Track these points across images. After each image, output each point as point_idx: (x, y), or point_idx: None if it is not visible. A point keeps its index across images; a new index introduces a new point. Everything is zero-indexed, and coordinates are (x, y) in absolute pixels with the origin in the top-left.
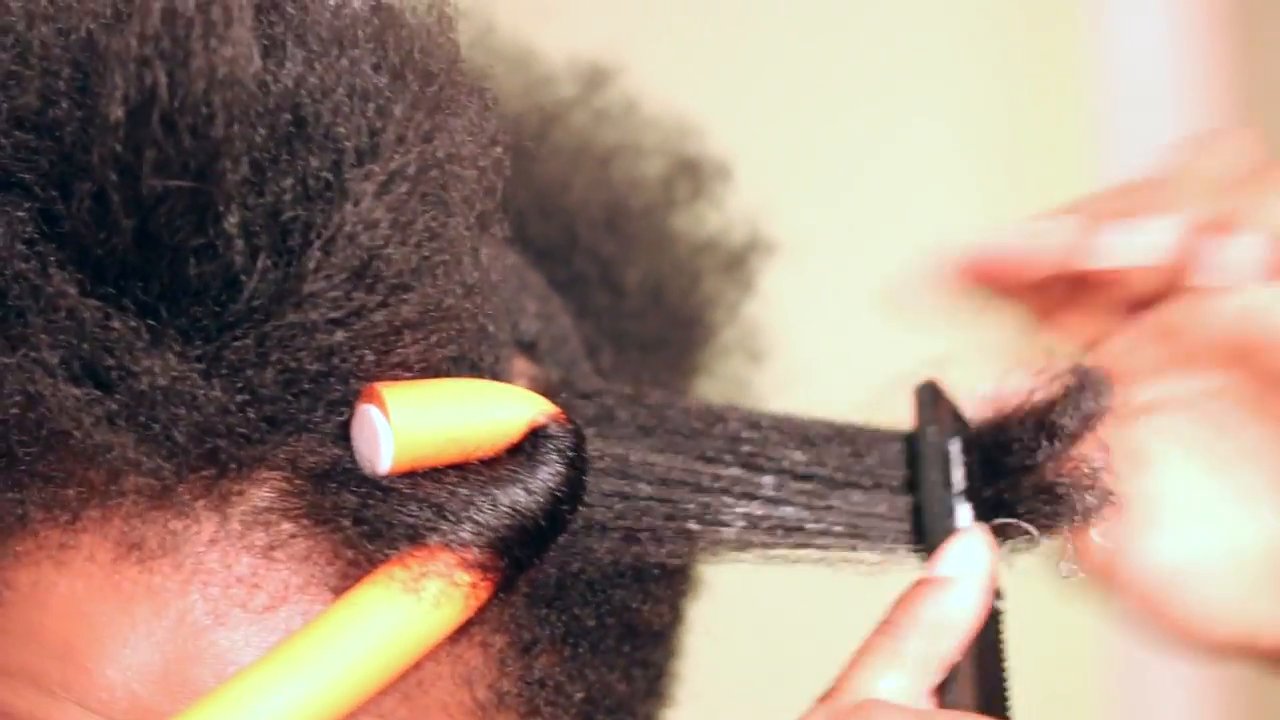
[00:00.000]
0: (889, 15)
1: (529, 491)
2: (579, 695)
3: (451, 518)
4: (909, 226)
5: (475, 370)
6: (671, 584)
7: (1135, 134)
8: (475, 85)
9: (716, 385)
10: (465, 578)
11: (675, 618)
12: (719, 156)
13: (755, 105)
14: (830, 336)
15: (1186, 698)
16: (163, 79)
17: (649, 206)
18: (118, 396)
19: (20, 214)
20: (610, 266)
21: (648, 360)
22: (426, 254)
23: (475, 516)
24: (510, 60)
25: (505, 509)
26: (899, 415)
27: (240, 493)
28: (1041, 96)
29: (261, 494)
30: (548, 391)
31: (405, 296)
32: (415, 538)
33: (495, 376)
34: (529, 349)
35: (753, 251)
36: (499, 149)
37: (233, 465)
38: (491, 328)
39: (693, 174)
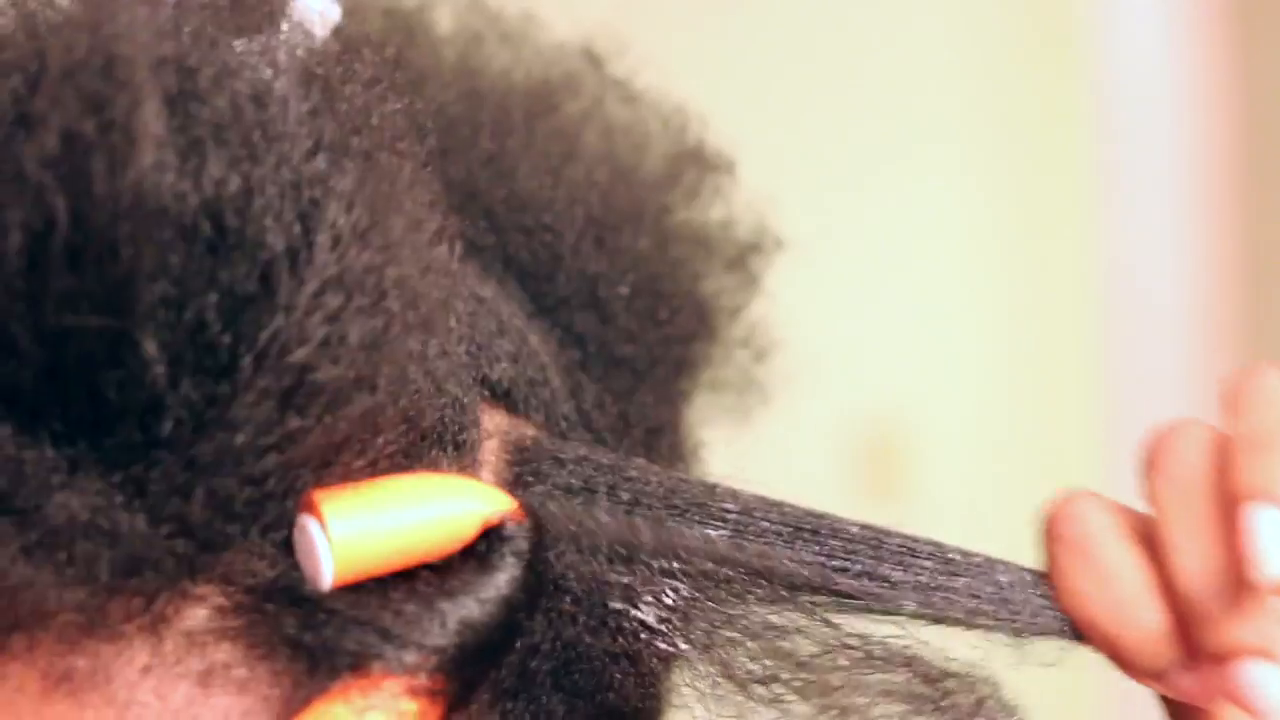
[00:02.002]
0: (893, 12)
1: (481, 602)
2: None
3: (396, 642)
4: (912, 221)
5: (437, 445)
6: (652, 665)
7: (1135, 134)
8: (420, 152)
9: (719, 386)
10: (411, 706)
11: (656, 695)
12: (723, 149)
13: (761, 98)
14: (836, 332)
15: None
16: (63, 207)
17: (646, 203)
18: (34, 530)
19: None
20: (597, 285)
21: (638, 389)
22: (365, 367)
23: (422, 641)
24: (504, 37)
25: (455, 626)
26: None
27: (176, 613)
28: (1043, 95)
29: (197, 614)
30: (519, 449)
31: (342, 412)
32: (357, 666)
33: (459, 447)
34: (503, 397)
35: (758, 246)
36: (446, 240)
37: (161, 588)
38: (456, 391)
39: (697, 165)
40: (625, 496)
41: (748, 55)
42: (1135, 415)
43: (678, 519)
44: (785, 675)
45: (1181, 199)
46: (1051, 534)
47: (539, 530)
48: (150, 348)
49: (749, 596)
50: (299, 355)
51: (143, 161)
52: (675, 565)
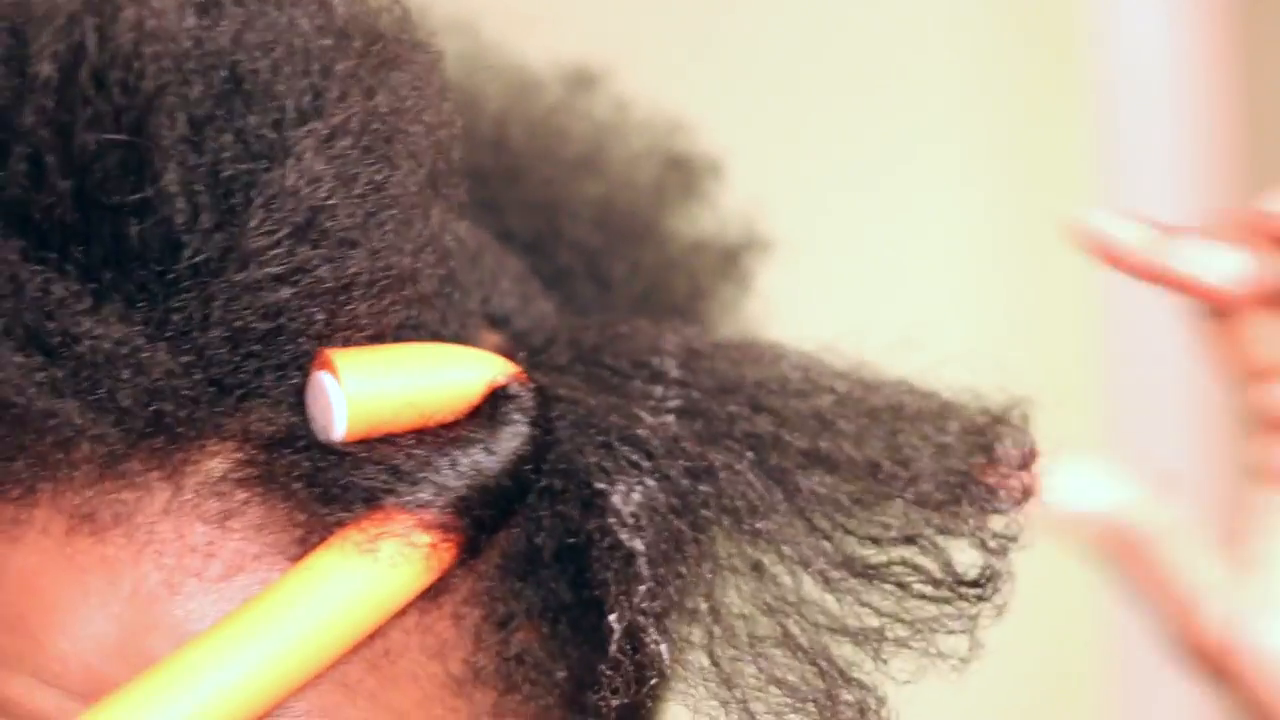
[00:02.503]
0: (883, 11)
1: (490, 452)
2: (561, 674)
3: (407, 479)
4: (905, 223)
5: (437, 337)
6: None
7: (1135, 134)
8: (420, 42)
9: None
10: (424, 538)
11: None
12: (711, 154)
13: (748, 102)
14: (835, 332)
15: (1187, 697)
16: (91, 34)
17: (639, 204)
18: (61, 363)
19: None
20: (597, 259)
21: None
22: (371, 209)
23: (433, 478)
24: (495, 71)
25: (465, 470)
26: None
27: (193, 463)
28: (1039, 92)
29: (214, 464)
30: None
31: (351, 252)
32: (370, 500)
33: (459, 342)
34: (502, 323)
35: (748, 249)
36: (447, 105)
37: (182, 432)
38: (456, 295)
39: (684, 172)
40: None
41: (739, 50)
42: (1135, 415)
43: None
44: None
45: (1182, 199)
46: None
47: (543, 394)
48: (171, 179)
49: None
50: (309, 194)
51: None
52: (644, 463)
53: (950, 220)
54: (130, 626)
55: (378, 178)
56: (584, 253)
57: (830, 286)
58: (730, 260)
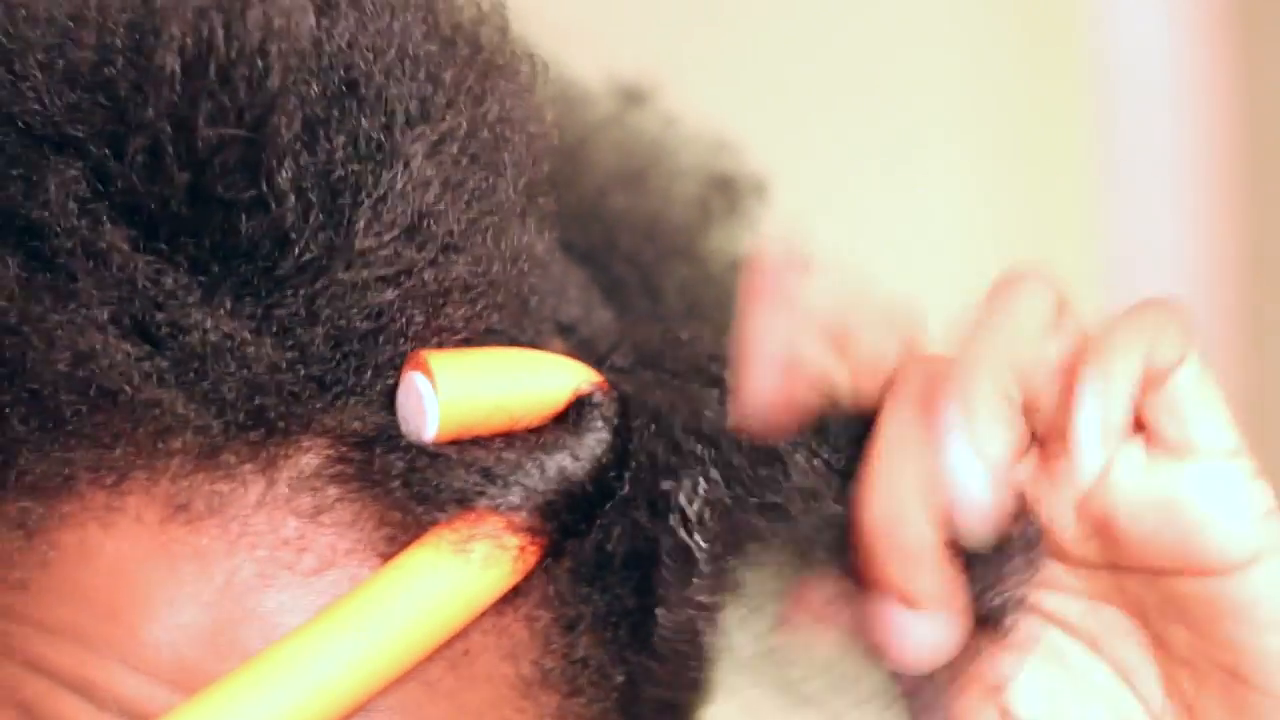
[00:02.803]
0: (892, 11)
1: (576, 458)
2: (619, 679)
3: (499, 482)
4: (910, 221)
5: (514, 343)
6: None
7: (1135, 134)
8: (525, 51)
9: None
10: (513, 541)
11: (720, 605)
12: (756, 174)
13: (793, 124)
14: None
15: None
16: (219, 30)
17: (685, 222)
18: (168, 353)
19: (73, 173)
20: (650, 272)
21: None
22: (475, 215)
23: (523, 481)
24: (546, 84)
25: (553, 474)
26: None
27: (286, 457)
28: (1041, 96)
29: (307, 459)
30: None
31: (454, 256)
32: (463, 501)
33: (536, 349)
34: (568, 332)
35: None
36: (548, 116)
37: (280, 426)
38: (534, 301)
39: (728, 191)
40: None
41: (787, 73)
42: None
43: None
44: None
45: (1182, 199)
46: None
47: (624, 401)
48: (284, 178)
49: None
50: (416, 198)
51: None
52: (709, 454)
53: (951, 221)
54: (222, 617)
55: (483, 185)
56: (638, 266)
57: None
58: None
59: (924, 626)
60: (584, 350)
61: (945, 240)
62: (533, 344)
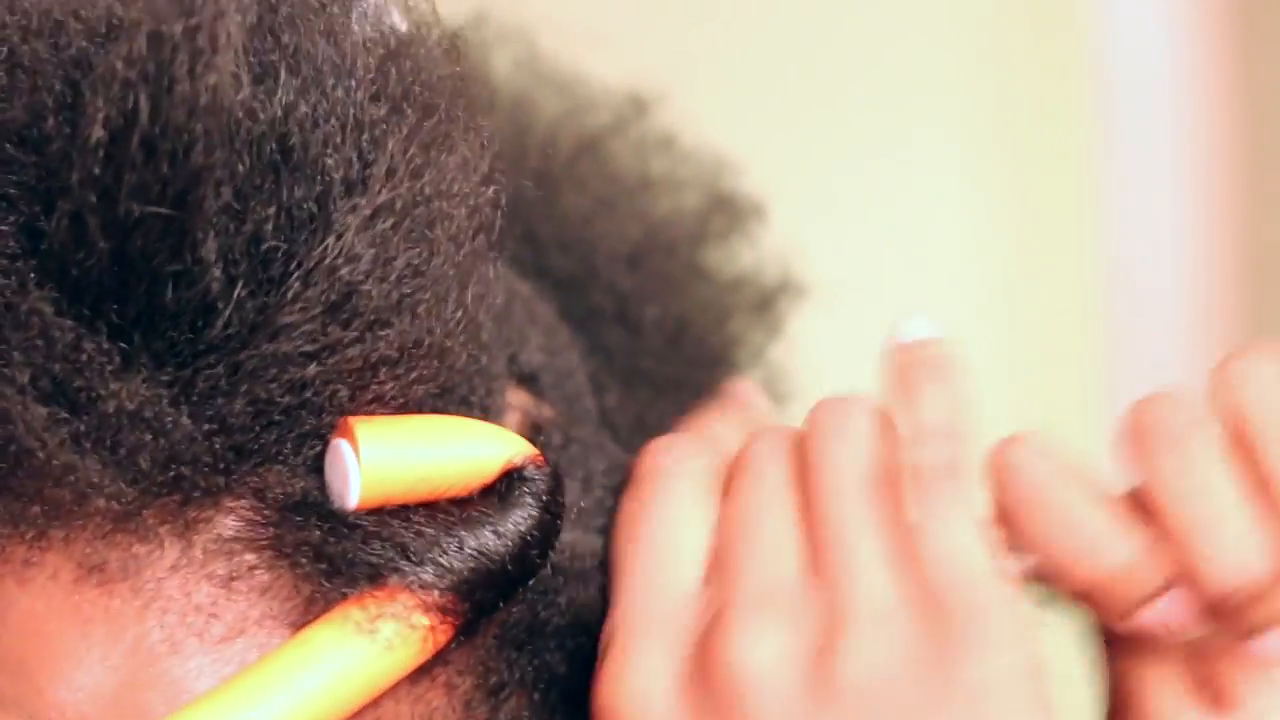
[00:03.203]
0: (892, 11)
1: (498, 534)
2: None
3: (414, 558)
4: (909, 221)
5: (463, 404)
6: None
7: (1135, 133)
8: (473, 122)
9: None
10: (423, 620)
11: None
12: (756, 194)
13: (795, 144)
14: (834, 332)
15: None
16: (145, 103)
17: (678, 242)
18: (85, 418)
19: (3, 228)
20: (628, 303)
21: (659, 401)
22: (407, 290)
23: (439, 558)
24: (550, 84)
25: (471, 551)
26: None
27: (206, 520)
28: (1043, 101)
29: (227, 522)
30: (537, 428)
31: (382, 333)
32: (375, 577)
33: (485, 410)
34: (529, 380)
35: (783, 292)
36: (493, 189)
37: (198, 493)
38: (483, 359)
39: (728, 210)
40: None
41: (791, 95)
42: None
43: None
44: None
45: (1182, 198)
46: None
47: (557, 478)
48: (210, 249)
49: None
50: (346, 273)
51: (224, 67)
52: None
53: (951, 221)
54: (128, 680)
55: (415, 261)
56: (616, 296)
57: (860, 332)
58: (765, 304)
59: None
60: (550, 396)
61: (945, 240)
62: (484, 403)
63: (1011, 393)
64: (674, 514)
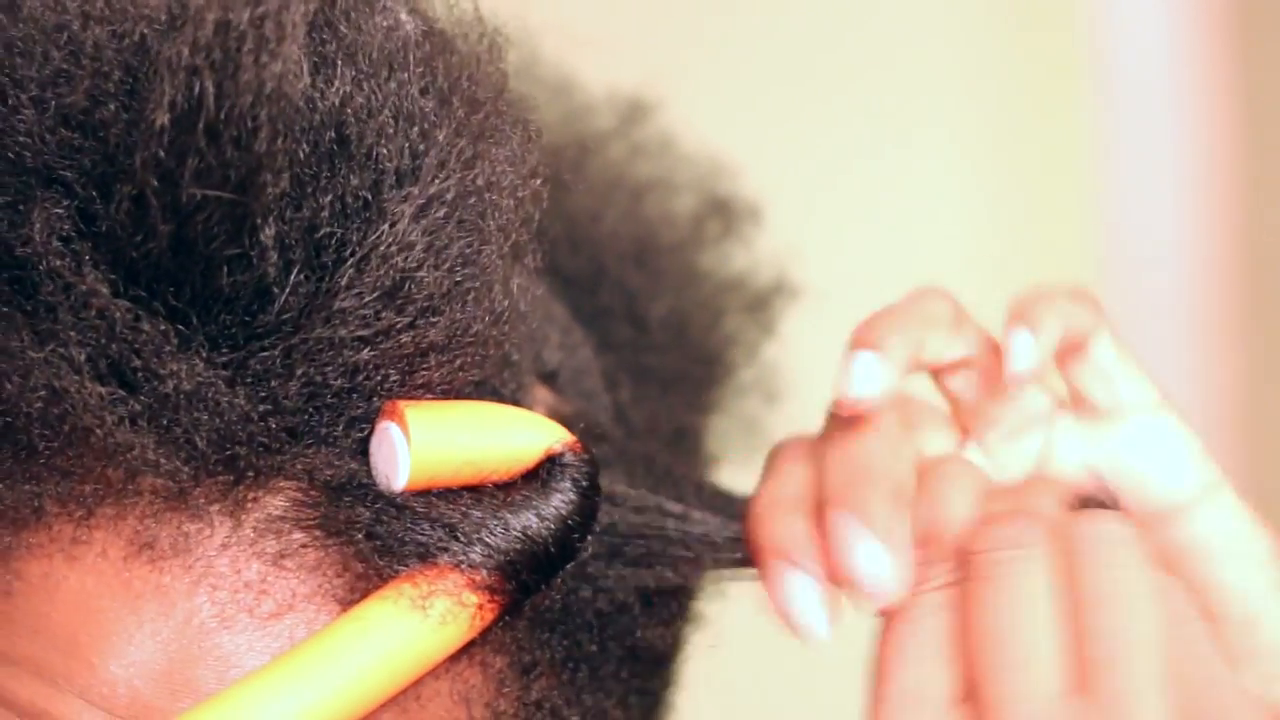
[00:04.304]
0: (930, 67)
1: (541, 518)
2: (574, 719)
3: (463, 538)
4: (910, 221)
5: (496, 396)
6: (674, 614)
7: (1135, 133)
8: (520, 116)
9: (730, 424)
10: (473, 599)
11: (676, 647)
12: (751, 197)
13: (790, 147)
14: (834, 332)
15: None
16: (210, 89)
17: (678, 242)
18: (141, 397)
19: (59, 211)
20: (636, 300)
21: (666, 396)
22: (458, 279)
23: (486, 539)
24: (550, 89)
25: (517, 533)
26: None
27: (255, 500)
28: (1044, 104)
29: (276, 502)
30: (565, 424)
31: (434, 320)
32: (426, 556)
33: (515, 403)
34: (549, 378)
35: (777, 294)
36: (538, 181)
37: (250, 472)
38: (515, 355)
39: (724, 213)
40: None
41: (789, 98)
42: None
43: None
44: None
45: (1182, 197)
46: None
47: (594, 464)
48: (268, 234)
49: None
50: (400, 260)
51: (288, 56)
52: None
53: (951, 221)
54: (179, 656)
55: (467, 250)
56: (624, 293)
57: (825, 286)
58: (759, 305)
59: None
60: (569, 393)
61: (946, 240)
62: (514, 396)
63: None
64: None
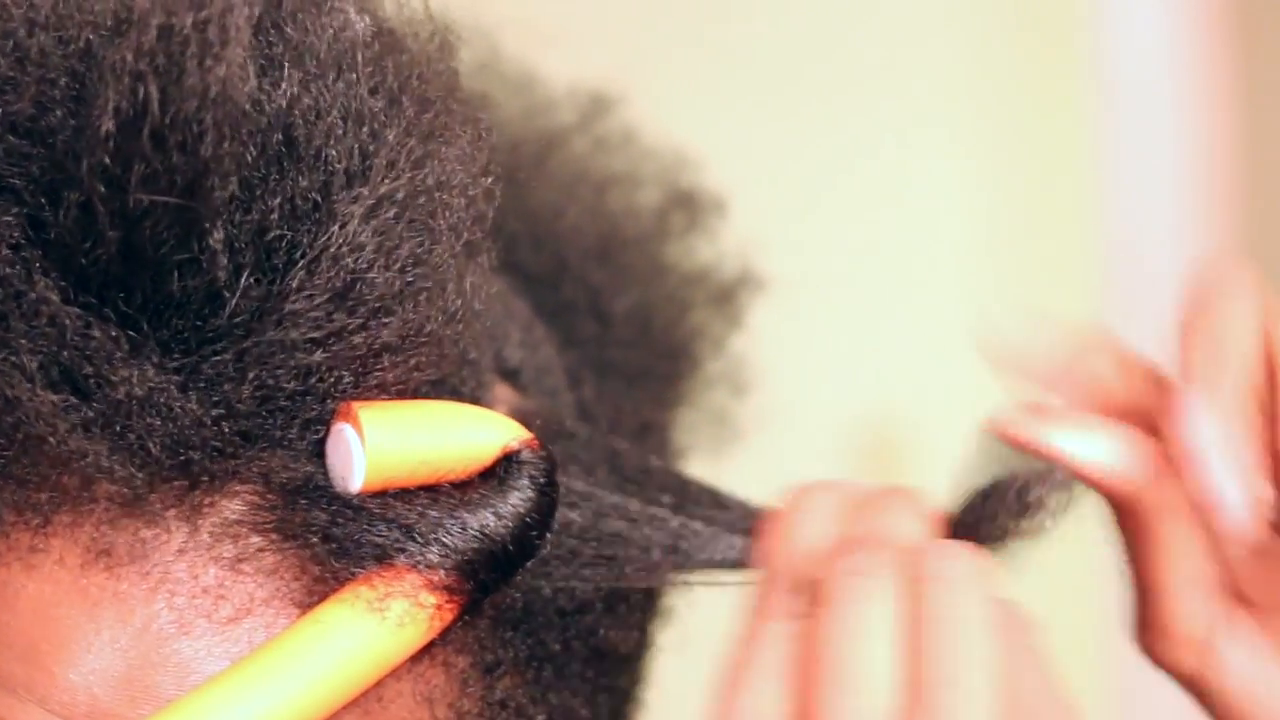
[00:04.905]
0: (890, 57)
1: (498, 516)
2: (540, 718)
3: (420, 539)
4: (910, 221)
5: (455, 395)
6: (639, 611)
7: (1135, 132)
8: (470, 115)
9: (698, 417)
10: (430, 599)
11: (643, 644)
12: (715, 190)
13: (755, 140)
14: (813, 374)
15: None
16: (155, 94)
17: (642, 236)
18: (94, 404)
19: (8, 219)
20: (599, 295)
21: (631, 391)
22: (410, 279)
23: (443, 539)
24: (512, 85)
25: (474, 532)
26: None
27: (211, 504)
28: (1037, 119)
29: (232, 506)
30: (525, 418)
31: (386, 320)
32: (383, 557)
33: (475, 402)
34: (511, 376)
35: (743, 286)
36: (490, 179)
37: (205, 477)
38: (473, 354)
39: (688, 206)
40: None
41: (750, 89)
42: None
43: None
44: None
45: (1182, 197)
46: None
47: (552, 461)
48: (217, 239)
49: None
50: (350, 261)
51: (233, 59)
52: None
53: (951, 220)
54: (138, 662)
55: (418, 250)
56: (587, 289)
57: (819, 324)
58: (725, 297)
59: None
60: (531, 391)
61: (946, 240)
62: (474, 395)
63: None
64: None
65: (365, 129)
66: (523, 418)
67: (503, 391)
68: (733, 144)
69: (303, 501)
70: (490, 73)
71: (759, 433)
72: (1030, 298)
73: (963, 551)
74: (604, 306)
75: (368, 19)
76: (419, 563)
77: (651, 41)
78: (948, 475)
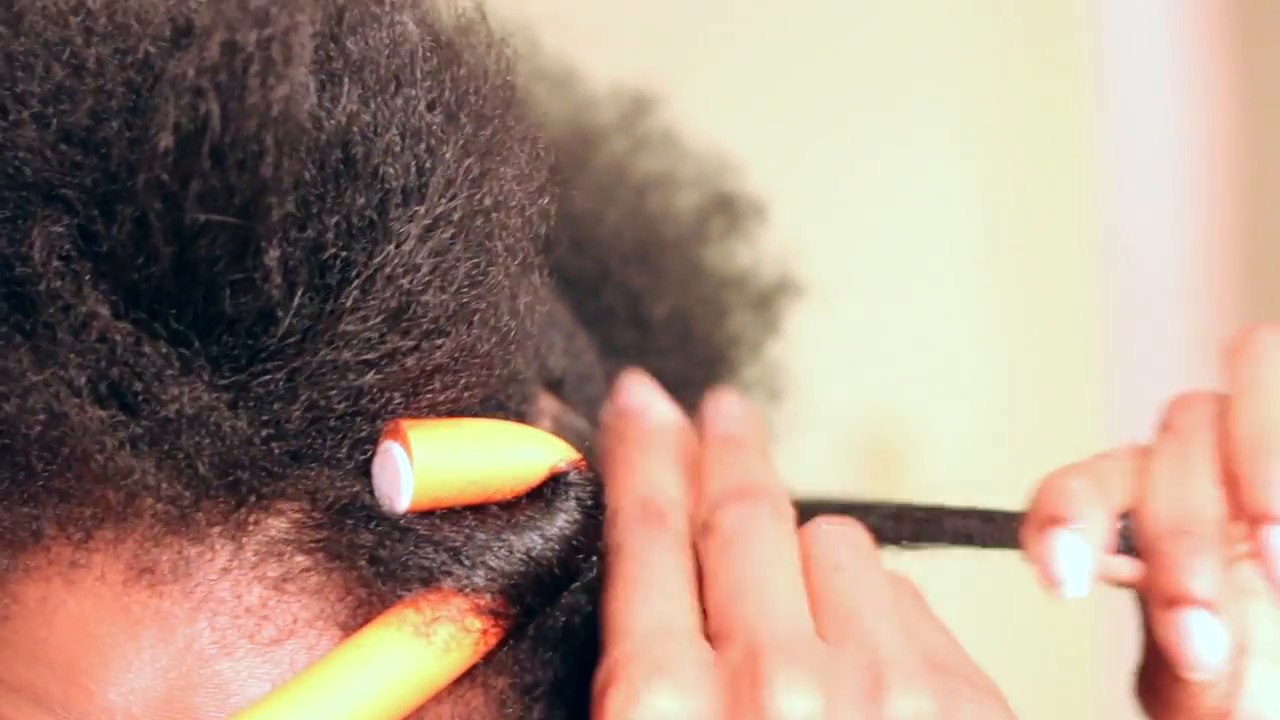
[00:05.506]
0: (896, 60)
1: (545, 539)
2: None
3: (467, 562)
4: (910, 221)
5: (501, 410)
6: None
7: (1135, 132)
8: (528, 132)
9: None
10: (476, 624)
11: None
12: (756, 194)
13: (797, 145)
14: (814, 374)
15: None
16: (216, 112)
17: (681, 239)
18: (142, 421)
19: (59, 229)
20: (639, 301)
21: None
22: (465, 300)
23: (490, 562)
24: (554, 82)
25: (520, 556)
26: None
27: (256, 522)
28: (1036, 120)
29: (278, 525)
30: (578, 434)
31: (439, 342)
32: (429, 580)
33: (520, 417)
34: (555, 386)
35: (782, 291)
36: (546, 199)
37: (252, 496)
38: (523, 371)
39: (728, 209)
40: None
41: (794, 95)
42: (1135, 413)
43: None
44: None
45: (1182, 197)
46: None
47: (598, 482)
48: (272, 257)
49: None
50: (406, 282)
51: (295, 78)
52: None
53: (951, 220)
54: (178, 683)
55: (474, 271)
56: (627, 295)
57: (856, 330)
58: (763, 303)
59: None
60: (574, 400)
61: (946, 240)
62: (520, 409)
63: (1009, 392)
64: (660, 560)
65: (423, 145)
66: (570, 437)
67: (547, 402)
68: (773, 147)
69: (349, 521)
70: (531, 70)
71: (790, 438)
72: (1030, 298)
73: (845, 520)
74: (644, 313)
75: (426, 30)
76: (465, 586)
77: (693, 42)
78: (950, 476)
